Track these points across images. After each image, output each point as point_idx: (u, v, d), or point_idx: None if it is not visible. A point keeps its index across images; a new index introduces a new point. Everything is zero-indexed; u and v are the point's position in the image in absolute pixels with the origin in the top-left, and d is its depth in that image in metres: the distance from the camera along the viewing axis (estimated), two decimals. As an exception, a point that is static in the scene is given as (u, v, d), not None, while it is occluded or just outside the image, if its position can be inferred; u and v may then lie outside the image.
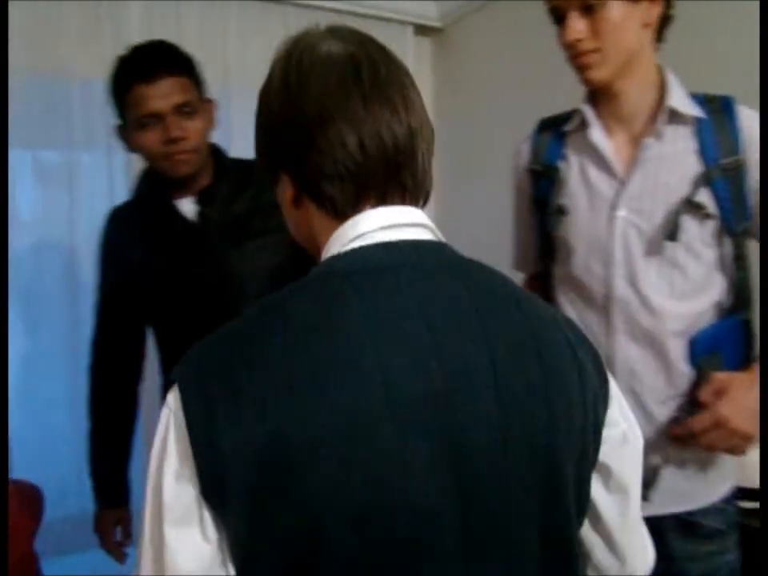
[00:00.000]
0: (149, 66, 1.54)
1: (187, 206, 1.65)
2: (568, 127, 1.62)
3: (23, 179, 2.91)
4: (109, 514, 1.89)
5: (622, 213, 1.51)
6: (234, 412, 0.70)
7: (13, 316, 2.88)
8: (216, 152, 1.71)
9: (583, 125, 1.57)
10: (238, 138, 3.03)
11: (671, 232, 1.44)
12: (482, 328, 0.77)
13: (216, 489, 0.71)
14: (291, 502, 0.69)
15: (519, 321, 0.80)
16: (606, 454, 0.85)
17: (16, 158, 2.88)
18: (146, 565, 0.74)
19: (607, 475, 0.86)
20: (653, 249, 1.48)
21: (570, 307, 1.60)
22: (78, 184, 2.93)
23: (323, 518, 0.69)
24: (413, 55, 3.48)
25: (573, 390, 0.80)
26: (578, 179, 1.57)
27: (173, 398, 0.74)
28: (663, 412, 1.51)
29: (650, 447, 1.48)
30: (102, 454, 1.86)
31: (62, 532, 2.67)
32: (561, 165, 1.61)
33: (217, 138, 3.04)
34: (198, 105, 1.59)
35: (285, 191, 0.84)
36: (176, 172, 1.59)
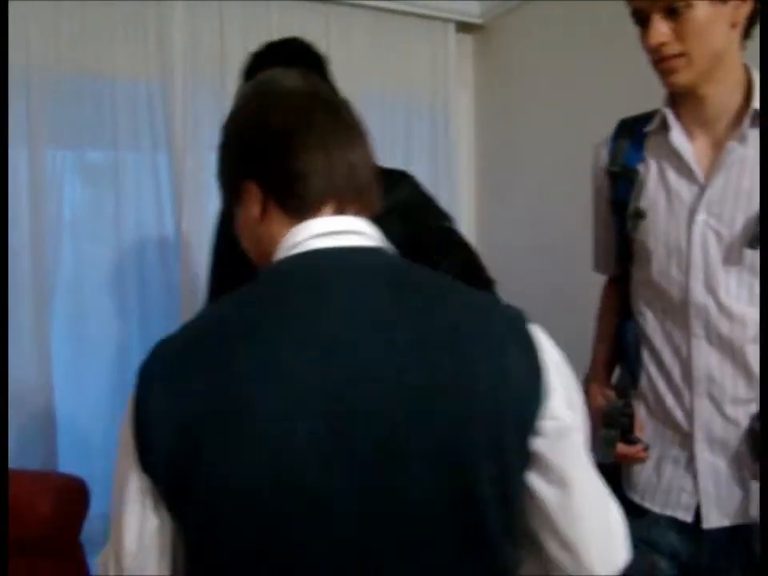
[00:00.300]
0: (279, 62, 1.54)
1: None
2: (648, 128, 1.56)
3: (69, 179, 2.96)
4: None
5: (701, 217, 1.46)
6: (165, 397, 0.81)
7: (60, 310, 2.95)
8: None
9: (664, 126, 1.52)
10: None
11: (751, 239, 1.39)
12: (395, 325, 0.83)
13: (147, 465, 0.82)
14: (195, 483, 0.79)
15: (440, 317, 0.85)
16: (543, 445, 0.85)
17: (61, 158, 2.94)
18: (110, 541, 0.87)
19: (545, 468, 0.86)
20: (732, 255, 1.43)
21: (648, 311, 1.57)
22: (124, 183, 2.98)
23: (222, 504, 0.79)
24: (454, 52, 3.46)
25: (488, 380, 0.82)
26: (657, 182, 1.52)
27: (132, 393, 0.84)
28: (742, 417, 1.47)
29: (736, 455, 1.46)
30: None
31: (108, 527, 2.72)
32: (640, 167, 1.55)
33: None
34: None
35: (251, 206, 0.92)
36: None
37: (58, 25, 2.87)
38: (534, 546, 0.91)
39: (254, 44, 3.07)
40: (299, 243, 0.88)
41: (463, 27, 3.54)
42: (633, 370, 1.61)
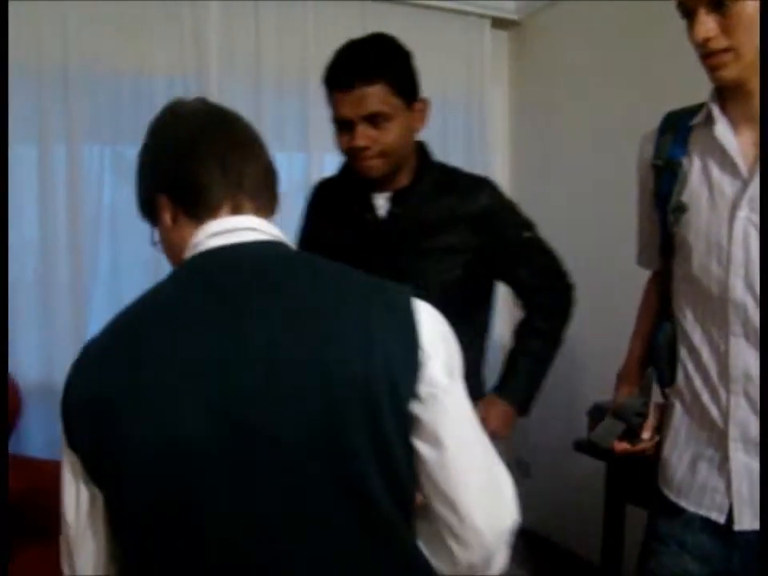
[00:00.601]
0: (347, 73, 1.58)
1: (381, 202, 1.69)
2: (693, 122, 1.54)
3: (106, 175, 3.00)
4: None
5: (743, 213, 1.43)
6: (83, 383, 0.97)
7: (97, 305, 2.99)
8: (422, 152, 1.72)
9: (709, 120, 1.49)
10: (314, 126, 3.10)
11: None
12: (273, 309, 0.94)
13: (71, 442, 0.97)
14: (107, 450, 0.93)
15: (317, 299, 0.96)
16: (419, 409, 0.94)
17: (99, 153, 2.98)
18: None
19: (422, 429, 0.95)
20: None
21: (687, 308, 1.54)
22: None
23: (121, 464, 0.92)
24: (490, 49, 3.44)
25: (358, 354, 0.92)
26: (700, 176, 1.50)
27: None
28: None
29: None
30: None
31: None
32: (683, 160, 1.53)
33: (294, 127, 3.11)
34: (393, 112, 1.59)
35: (165, 214, 1.06)
36: (364, 174, 1.66)
37: (96, 23, 2.91)
38: (426, 511, 0.99)
39: (289, 42, 3.12)
40: (199, 243, 1.01)
41: (499, 23, 3.52)
42: (661, 371, 1.59)
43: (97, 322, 2.97)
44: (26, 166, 2.90)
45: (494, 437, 1.70)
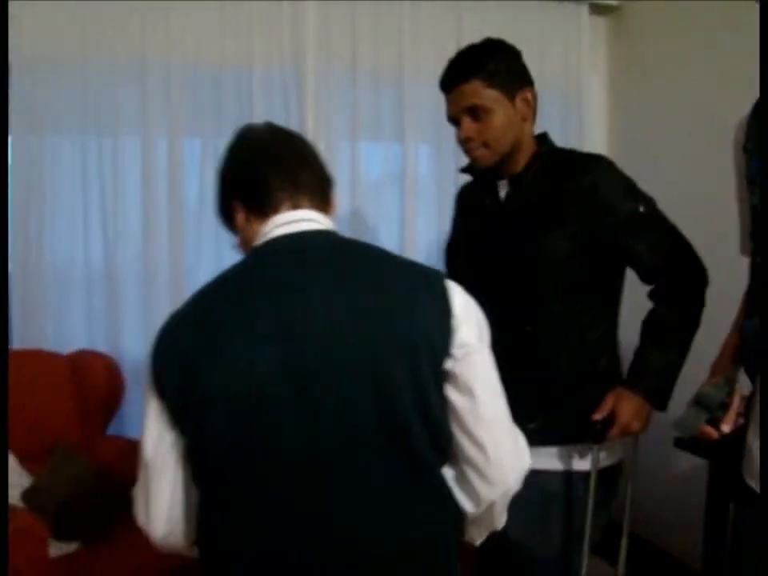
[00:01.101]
0: (447, 77, 1.78)
1: (502, 187, 1.80)
2: None
3: (207, 166, 3.07)
4: None
5: None
6: (173, 343, 1.15)
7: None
8: (540, 139, 1.82)
9: None
10: (409, 117, 3.13)
11: None
12: (332, 284, 1.14)
13: (161, 392, 1.14)
14: (193, 397, 1.10)
15: (365, 276, 1.16)
16: (453, 365, 1.14)
17: (200, 146, 3.06)
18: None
19: (456, 381, 1.14)
20: None
21: None
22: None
23: (208, 407, 1.09)
24: (588, 35, 3.36)
25: (404, 323, 1.12)
26: None
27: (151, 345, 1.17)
28: None
29: None
30: None
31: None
32: None
33: (389, 118, 3.12)
34: (491, 104, 1.70)
35: (239, 216, 1.27)
36: (477, 164, 1.79)
37: (197, 19, 2.99)
38: (454, 451, 1.17)
39: (385, 36, 3.13)
40: (266, 232, 1.21)
41: (597, 9, 3.43)
42: (749, 362, 1.51)
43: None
44: (130, 158, 3.00)
45: (626, 431, 1.67)
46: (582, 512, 1.71)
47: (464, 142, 1.76)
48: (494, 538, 1.51)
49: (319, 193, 1.27)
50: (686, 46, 3.00)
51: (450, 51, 3.13)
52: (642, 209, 1.72)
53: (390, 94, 3.16)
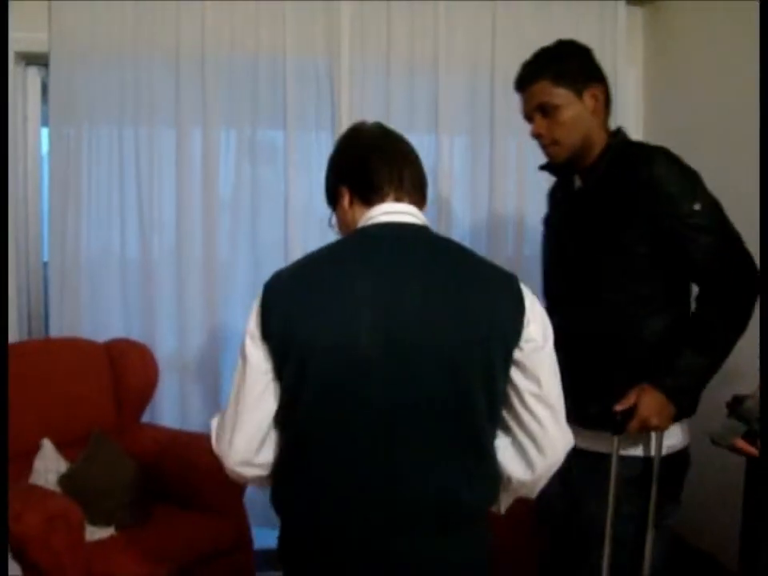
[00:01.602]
0: (521, 78, 1.89)
1: (577, 180, 1.90)
2: None
3: (240, 157, 3.10)
4: None
5: None
6: (281, 298, 1.32)
7: (242, 284, 3.10)
8: (614, 133, 1.89)
9: None
10: (443, 109, 3.14)
11: None
12: (425, 271, 1.33)
13: (267, 338, 1.30)
14: (296, 345, 1.28)
15: (455, 272, 1.35)
16: (522, 356, 1.33)
17: (235, 136, 3.08)
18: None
19: (524, 369, 1.33)
20: None
21: None
22: (291, 161, 3.08)
23: (309, 351, 1.27)
24: (624, 26, 3.31)
25: (483, 317, 1.31)
26: None
27: (257, 297, 1.34)
28: None
29: None
30: None
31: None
32: None
33: (423, 110, 3.11)
34: (560, 102, 1.81)
35: (344, 200, 1.44)
36: (551, 160, 1.91)
37: (232, 10, 3.00)
38: (513, 424, 1.38)
39: (420, 27, 3.11)
40: (373, 217, 1.38)
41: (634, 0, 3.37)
42: None
43: (227, 298, 3.08)
44: (166, 148, 3.03)
45: (645, 425, 1.68)
46: (646, 495, 1.76)
47: (536, 138, 1.87)
48: (568, 515, 1.82)
49: (418, 190, 1.44)
50: (724, 36, 2.94)
51: (485, 43, 3.16)
52: (697, 207, 1.71)
53: (424, 85, 3.15)
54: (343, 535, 1.33)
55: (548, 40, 3.24)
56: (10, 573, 1.86)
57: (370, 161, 1.42)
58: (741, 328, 1.71)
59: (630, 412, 1.68)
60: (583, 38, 3.20)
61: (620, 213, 1.76)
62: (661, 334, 1.75)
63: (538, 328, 1.34)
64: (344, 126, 3.10)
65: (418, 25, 3.12)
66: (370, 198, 1.40)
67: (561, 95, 1.81)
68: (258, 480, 1.41)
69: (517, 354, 1.33)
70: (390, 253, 1.34)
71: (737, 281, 1.72)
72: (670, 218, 1.70)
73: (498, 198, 3.21)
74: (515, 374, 1.34)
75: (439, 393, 1.29)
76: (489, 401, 1.32)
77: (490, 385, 1.32)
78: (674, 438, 1.79)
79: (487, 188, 3.21)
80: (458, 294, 1.31)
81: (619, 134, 1.90)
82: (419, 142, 3.17)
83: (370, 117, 3.03)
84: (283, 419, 1.34)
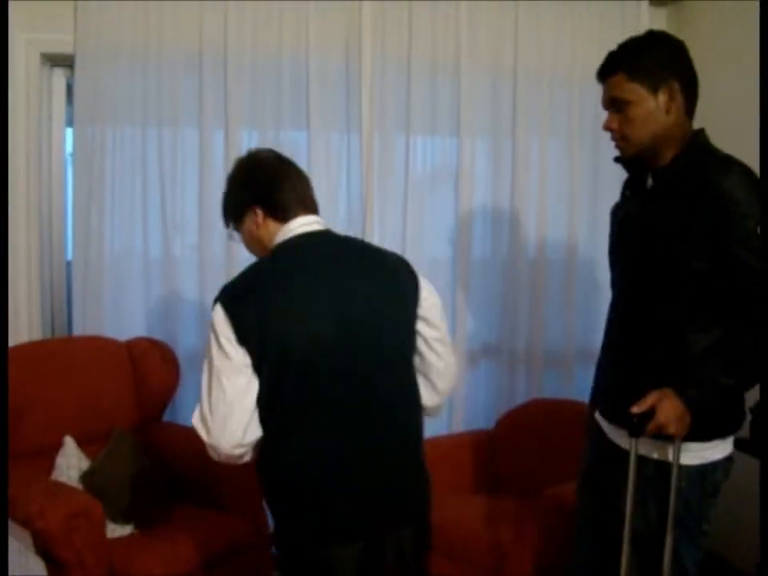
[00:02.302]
0: (600, 69, 1.84)
1: (650, 179, 1.87)
2: None
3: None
4: None
5: None
6: (247, 307, 1.57)
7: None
8: (695, 135, 1.86)
9: None
10: (465, 112, 3.14)
11: None
12: (355, 264, 1.70)
13: (243, 341, 1.54)
14: (273, 342, 1.55)
15: (370, 259, 1.74)
16: (423, 311, 1.73)
17: (257, 137, 3.09)
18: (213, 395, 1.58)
19: (428, 322, 1.75)
20: None
21: None
22: (314, 161, 3.10)
23: (290, 343, 1.56)
24: (647, 26, 3.27)
25: (397, 287, 1.71)
26: None
27: (217, 308, 1.58)
28: None
29: None
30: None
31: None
32: None
33: (445, 112, 3.12)
34: (633, 97, 1.77)
35: (256, 217, 1.71)
36: (621, 155, 1.89)
37: (255, 11, 3.02)
38: (423, 365, 1.78)
39: (442, 29, 3.11)
40: (293, 229, 1.69)
41: (657, 0, 3.35)
42: None
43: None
44: (189, 149, 3.05)
45: (662, 431, 1.66)
46: (684, 502, 1.75)
47: (609, 132, 1.86)
48: (606, 509, 1.89)
49: (313, 204, 1.77)
50: (747, 36, 2.91)
51: (507, 44, 3.16)
52: (759, 228, 1.67)
53: (445, 86, 3.15)
54: (327, 474, 1.61)
55: (570, 41, 3.24)
56: (33, 569, 1.88)
57: (281, 183, 1.72)
58: (754, 367, 1.72)
59: (648, 415, 1.66)
60: (605, 38, 3.22)
61: (682, 221, 1.73)
62: (702, 351, 1.73)
63: (427, 289, 1.76)
64: (366, 127, 3.13)
65: (440, 26, 3.12)
66: (283, 215, 1.70)
67: (634, 90, 1.77)
68: (245, 456, 1.63)
69: (420, 312, 1.73)
70: (325, 254, 1.68)
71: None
72: (730, 233, 1.67)
73: (520, 201, 3.20)
74: (421, 326, 1.74)
75: (387, 354, 1.68)
76: (412, 349, 1.75)
77: (412, 339, 1.73)
78: (719, 451, 1.80)
79: (509, 191, 3.21)
80: (381, 277, 1.70)
81: (700, 136, 1.86)
82: (441, 144, 3.20)
83: (392, 118, 3.10)
84: (268, 400, 1.58)
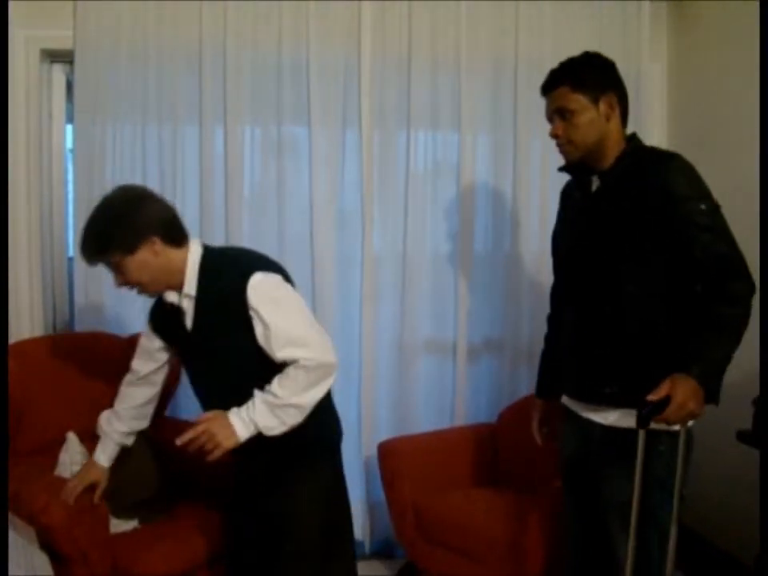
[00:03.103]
0: (545, 84, 2.04)
1: (595, 181, 2.05)
2: None
3: (263, 153, 3.11)
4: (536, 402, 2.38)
5: None
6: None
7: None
8: (630, 140, 2.04)
9: None
10: (466, 107, 3.16)
11: None
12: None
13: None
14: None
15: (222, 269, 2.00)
16: (252, 305, 1.89)
17: (259, 134, 3.09)
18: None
19: (256, 313, 1.88)
20: None
21: None
22: (313, 158, 3.10)
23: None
24: (648, 21, 3.29)
25: (233, 287, 1.91)
26: None
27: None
28: None
29: None
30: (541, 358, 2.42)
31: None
32: None
33: (446, 107, 3.12)
34: (576, 107, 1.97)
35: (154, 245, 1.91)
36: (565, 159, 2.06)
37: (255, 7, 3.01)
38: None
39: (442, 25, 3.11)
40: (197, 248, 1.98)
41: (658, -4, 3.35)
42: None
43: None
44: (189, 146, 3.05)
45: (683, 410, 1.72)
46: (665, 465, 1.86)
47: (554, 138, 2.03)
48: (595, 495, 1.99)
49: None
50: (749, 32, 2.91)
51: (508, 40, 3.15)
52: (703, 206, 1.85)
53: (446, 82, 3.15)
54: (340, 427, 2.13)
55: (571, 37, 3.24)
56: (38, 563, 1.89)
57: (174, 212, 1.99)
58: (745, 317, 1.84)
59: (661, 405, 1.72)
60: (607, 34, 3.23)
61: (633, 212, 1.90)
62: (667, 324, 1.90)
63: (252, 293, 1.89)
64: (366, 122, 3.13)
65: (440, 20, 3.12)
66: (179, 240, 1.95)
67: (577, 100, 1.97)
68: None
69: (251, 312, 1.89)
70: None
71: (736, 279, 1.84)
72: (678, 216, 1.84)
73: (522, 196, 3.21)
74: (255, 323, 1.89)
75: (222, 351, 1.95)
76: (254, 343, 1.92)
77: (252, 334, 1.89)
78: None
79: (510, 186, 3.21)
80: (227, 275, 1.95)
81: (634, 139, 2.05)
82: (442, 139, 3.19)
83: (393, 113, 3.10)
84: None
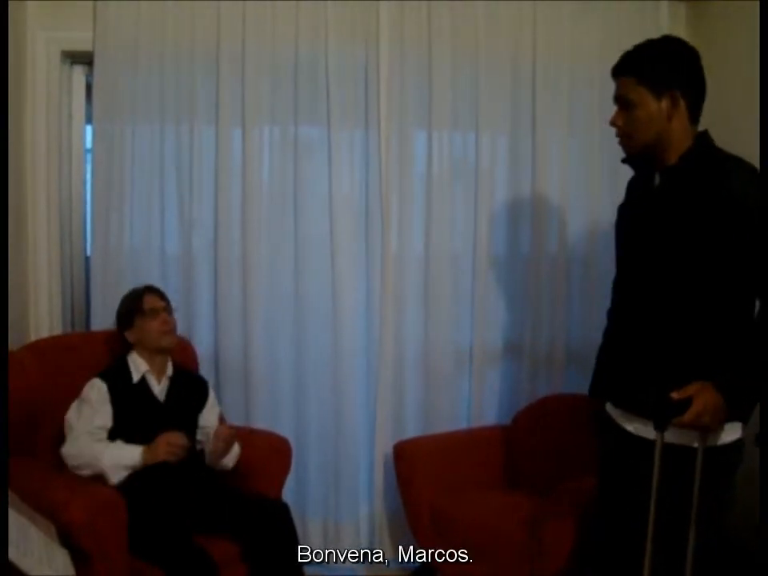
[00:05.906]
0: (614, 68, 1.95)
1: (657, 178, 1.95)
2: None
3: (279, 154, 3.11)
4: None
5: None
6: None
7: (282, 279, 3.11)
8: (699, 137, 1.94)
9: None
10: (484, 107, 3.15)
11: None
12: None
13: None
14: None
15: None
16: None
17: (277, 134, 3.09)
18: None
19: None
20: None
21: None
22: (332, 157, 3.11)
23: None
24: (666, 22, 3.27)
25: None
26: None
27: None
28: None
29: None
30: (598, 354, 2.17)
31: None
32: None
33: (465, 107, 3.11)
34: (638, 99, 1.88)
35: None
36: (624, 150, 1.97)
37: (273, 7, 3.02)
38: None
39: (460, 24, 3.10)
40: None
41: (676, -3, 3.34)
42: None
43: (264, 296, 3.10)
44: (206, 146, 3.07)
45: (697, 420, 1.68)
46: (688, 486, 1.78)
47: (612, 126, 1.96)
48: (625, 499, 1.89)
49: None
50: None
51: (526, 40, 3.14)
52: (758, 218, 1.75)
53: (465, 81, 3.14)
54: None
55: (589, 37, 3.22)
56: (59, 559, 1.90)
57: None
58: None
59: (683, 406, 1.69)
60: (625, 34, 3.21)
61: (696, 220, 1.81)
62: (722, 339, 1.80)
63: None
64: (385, 122, 3.13)
65: (459, 21, 3.11)
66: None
67: (639, 94, 1.88)
68: None
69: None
70: None
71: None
72: (745, 229, 1.75)
73: (541, 197, 3.18)
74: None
75: None
76: None
77: None
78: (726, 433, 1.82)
79: (529, 187, 3.19)
80: None
81: (703, 137, 1.95)
82: (461, 139, 3.18)
83: (411, 113, 3.08)
84: None
